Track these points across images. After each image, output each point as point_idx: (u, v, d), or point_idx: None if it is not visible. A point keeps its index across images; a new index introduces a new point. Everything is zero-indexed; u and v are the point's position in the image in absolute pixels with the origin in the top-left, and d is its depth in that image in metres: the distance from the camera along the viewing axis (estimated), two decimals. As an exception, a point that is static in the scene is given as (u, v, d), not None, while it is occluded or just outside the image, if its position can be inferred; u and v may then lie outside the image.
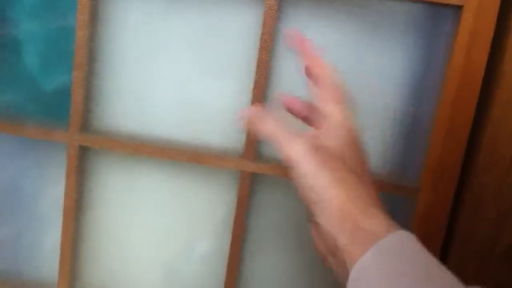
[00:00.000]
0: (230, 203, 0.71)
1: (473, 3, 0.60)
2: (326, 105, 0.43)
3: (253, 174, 0.68)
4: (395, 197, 0.69)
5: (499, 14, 0.59)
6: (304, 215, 0.71)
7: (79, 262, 0.76)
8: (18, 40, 0.70)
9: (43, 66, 0.71)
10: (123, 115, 0.70)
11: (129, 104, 0.70)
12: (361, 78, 0.66)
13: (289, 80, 0.67)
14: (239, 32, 0.66)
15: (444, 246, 0.65)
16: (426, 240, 0.64)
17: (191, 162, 0.67)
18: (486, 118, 0.62)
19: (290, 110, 0.48)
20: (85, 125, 0.70)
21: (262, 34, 0.63)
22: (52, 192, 0.74)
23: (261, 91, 0.64)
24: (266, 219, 0.72)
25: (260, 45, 0.63)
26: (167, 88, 0.69)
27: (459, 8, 0.61)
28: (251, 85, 0.66)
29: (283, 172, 0.66)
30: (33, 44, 0.70)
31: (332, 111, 0.42)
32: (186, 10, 0.66)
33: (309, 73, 0.45)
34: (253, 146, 0.66)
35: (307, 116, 0.47)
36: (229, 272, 0.70)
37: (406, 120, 0.67)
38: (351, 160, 0.41)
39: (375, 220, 0.37)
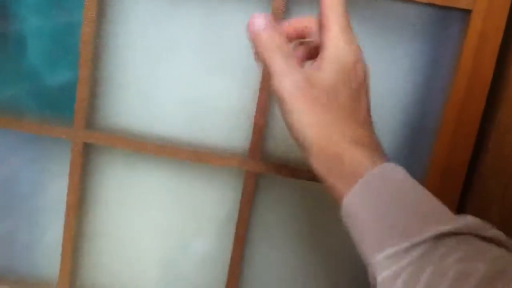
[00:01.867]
0: (233, 202, 0.71)
1: (482, 6, 0.59)
2: (327, 33, 0.40)
3: (257, 174, 0.68)
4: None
5: (508, 18, 0.59)
6: (309, 216, 0.71)
7: (80, 260, 0.75)
8: (23, 36, 0.70)
9: (48, 62, 0.70)
10: (127, 112, 0.70)
11: (133, 102, 0.70)
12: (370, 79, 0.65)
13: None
14: (244, 31, 0.66)
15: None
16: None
17: (195, 161, 0.67)
18: (493, 122, 0.61)
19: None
20: (89, 122, 0.69)
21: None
22: (54, 189, 0.73)
23: (266, 90, 0.64)
24: (269, 219, 0.71)
25: (267, 45, 0.63)
26: (171, 86, 0.69)
27: (467, 11, 0.61)
28: (256, 84, 0.66)
29: (288, 172, 0.66)
30: (38, 40, 0.70)
31: (330, 42, 0.40)
32: (191, 8, 0.66)
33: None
34: (258, 145, 0.66)
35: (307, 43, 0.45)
36: (231, 272, 0.70)
37: (412, 122, 0.66)
38: (344, 96, 0.39)
39: (359, 155, 0.37)
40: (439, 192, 0.63)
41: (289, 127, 0.39)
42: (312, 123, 0.37)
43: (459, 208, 0.64)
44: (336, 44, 0.39)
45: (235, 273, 0.70)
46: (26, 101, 0.71)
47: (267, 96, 0.64)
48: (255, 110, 0.66)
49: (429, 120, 0.66)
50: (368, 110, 0.42)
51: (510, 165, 0.61)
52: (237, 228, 0.68)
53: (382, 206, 0.35)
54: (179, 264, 0.74)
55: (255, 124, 0.65)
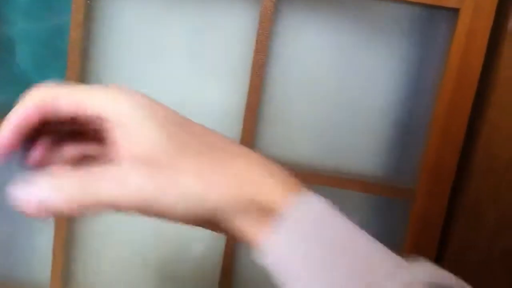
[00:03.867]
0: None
1: (470, 5, 0.60)
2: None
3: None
4: (390, 199, 0.68)
5: (495, 17, 0.59)
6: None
7: (72, 264, 0.75)
8: (12, 39, 0.69)
9: (37, 65, 0.70)
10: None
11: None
12: (356, 79, 0.66)
13: (284, 81, 0.67)
14: (235, 33, 0.66)
15: (440, 250, 0.65)
16: (421, 242, 0.64)
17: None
18: (482, 121, 0.61)
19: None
20: (79, 126, 0.69)
21: (258, 35, 0.63)
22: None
23: (256, 92, 0.64)
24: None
25: (255, 47, 0.63)
26: (161, 89, 0.68)
27: (455, 10, 0.61)
28: (246, 86, 0.66)
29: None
30: (27, 43, 0.70)
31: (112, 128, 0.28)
32: (181, 11, 0.66)
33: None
34: (249, 146, 0.66)
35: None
36: (223, 272, 0.70)
37: (401, 122, 0.66)
38: (195, 141, 0.29)
39: (267, 187, 0.29)
40: (429, 192, 0.63)
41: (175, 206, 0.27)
42: (195, 182, 0.27)
43: (451, 209, 0.64)
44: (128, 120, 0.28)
45: (228, 272, 0.70)
46: (14, 104, 0.70)
47: (258, 98, 0.64)
48: (244, 112, 0.66)
49: (418, 119, 0.66)
50: (220, 136, 0.32)
51: (500, 164, 0.61)
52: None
53: (307, 254, 0.27)
54: (172, 265, 0.74)
55: (245, 124, 0.65)
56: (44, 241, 0.74)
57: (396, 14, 0.64)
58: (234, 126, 0.68)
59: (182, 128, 0.30)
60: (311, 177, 0.65)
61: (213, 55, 0.67)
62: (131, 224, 0.73)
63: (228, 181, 0.28)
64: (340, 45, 0.65)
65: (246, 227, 0.29)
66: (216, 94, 0.68)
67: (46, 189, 0.27)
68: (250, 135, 0.65)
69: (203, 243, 0.73)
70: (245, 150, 0.31)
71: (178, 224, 0.29)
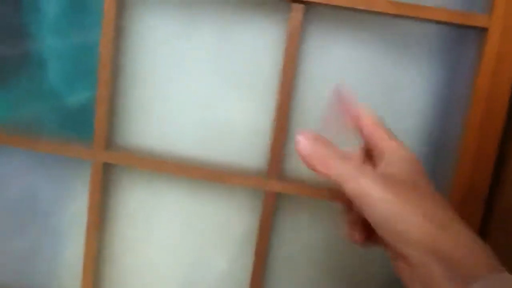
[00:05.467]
0: (251, 221, 0.71)
1: (499, 25, 0.60)
2: (380, 142, 0.40)
3: (277, 193, 0.68)
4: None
5: (525, 37, 0.59)
6: (329, 234, 0.71)
7: (101, 278, 0.76)
8: (42, 56, 0.70)
9: (67, 82, 0.71)
10: (146, 132, 0.70)
11: (152, 121, 0.70)
12: (384, 99, 0.66)
13: (312, 99, 0.67)
14: (262, 51, 0.67)
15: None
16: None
17: (213, 180, 0.67)
18: (512, 141, 0.62)
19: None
20: (109, 142, 0.70)
21: (285, 53, 0.63)
22: (75, 208, 0.74)
23: (284, 110, 0.65)
24: (288, 238, 0.72)
25: (283, 65, 0.63)
26: (189, 106, 0.69)
27: (484, 30, 0.61)
28: (273, 102, 0.67)
29: (307, 191, 0.66)
30: (57, 60, 0.71)
31: (388, 145, 0.40)
32: (209, 28, 0.67)
33: (355, 124, 0.43)
34: (277, 165, 0.66)
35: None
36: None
37: (433, 141, 0.67)
38: (418, 182, 0.37)
39: (471, 253, 0.33)
40: (462, 210, 0.63)
41: (381, 223, 0.34)
42: (403, 211, 0.33)
43: (483, 226, 0.64)
44: (396, 144, 0.40)
45: (254, 289, 0.70)
46: (45, 122, 0.72)
47: (285, 116, 0.65)
48: (272, 128, 0.66)
49: (449, 138, 0.66)
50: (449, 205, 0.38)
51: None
52: (256, 248, 0.69)
53: None
54: (198, 282, 0.75)
55: (273, 142, 0.66)
56: (73, 256, 0.75)
57: (424, 33, 0.64)
58: (261, 144, 0.69)
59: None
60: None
61: (240, 73, 0.68)
62: (158, 240, 0.74)
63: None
64: (367, 64, 0.65)
65: (443, 277, 0.32)
66: (244, 112, 0.69)
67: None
68: (278, 153, 0.66)
69: (229, 262, 0.74)
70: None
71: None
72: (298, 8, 0.62)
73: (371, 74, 0.66)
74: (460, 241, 0.33)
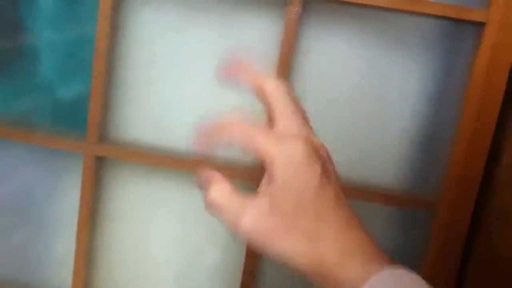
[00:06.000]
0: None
1: (496, 19, 0.59)
2: (280, 120, 0.37)
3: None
4: (414, 211, 0.68)
5: (522, 31, 0.59)
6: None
7: (92, 271, 0.75)
8: (37, 49, 0.70)
9: (61, 75, 0.71)
10: (140, 125, 0.70)
11: (145, 115, 0.70)
12: (381, 91, 0.65)
13: (308, 93, 0.67)
14: (259, 45, 0.66)
15: (464, 261, 0.64)
16: (445, 254, 0.64)
17: (208, 174, 0.66)
18: (507, 134, 0.61)
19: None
20: (102, 135, 0.70)
21: (282, 48, 0.63)
22: (67, 201, 0.73)
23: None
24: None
25: (279, 59, 0.63)
26: (184, 99, 0.69)
27: (481, 24, 0.61)
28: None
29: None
30: (51, 53, 0.70)
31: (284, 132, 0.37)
32: (205, 22, 0.66)
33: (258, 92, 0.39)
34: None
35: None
36: (244, 283, 0.69)
37: (427, 133, 0.66)
38: (314, 200, 0.34)
39: (353, 268, 0.33)
40: (454, 203, 0.63)
41: (276, 256, 0.34)
42: (296, 250, 0.33)
43: (475, 220, 0.64)
44: (282, 151, 0.35)
45: (248, 283, 0.69)
46: (39, 115, 0.71)
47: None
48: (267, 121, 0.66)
49: (443, 131, 0.65)
50: (343, 199, 0.36)
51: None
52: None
53: None
54: (192, 275, 0.74)
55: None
56: (65, 250, 0.75)
57: (421, 27, 0.64)
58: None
59: (315, 195, 0.35)
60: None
61: (236, 67, 0.67)
62: (151, 233, 0.73)
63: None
64: (364, 58, 0.65)
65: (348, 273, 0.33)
66: (239, 104, 0.68)
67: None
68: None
69: (223, 255, 0.73)
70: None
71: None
72: (295, 2, 0.62)
73: (368, 68, 0.65)
74: (342, 248, 0.34)
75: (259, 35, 0.66)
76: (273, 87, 0.38)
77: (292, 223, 0.34)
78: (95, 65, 0.66)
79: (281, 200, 0.34)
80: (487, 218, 0.63)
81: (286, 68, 0.63)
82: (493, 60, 0.60)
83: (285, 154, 0.34)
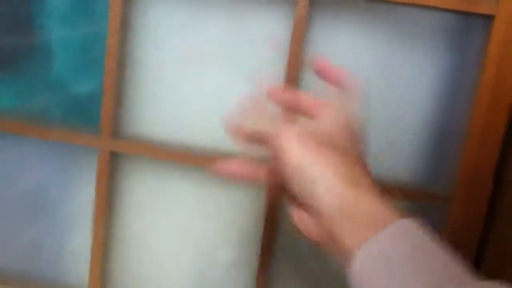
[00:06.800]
0: (258, 210, 0.72)
1: (505, 12, 0.60)
2: (317, 104, 0.43)
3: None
4: (427, 205, 0.69)
5: (531, 24, 0.59)
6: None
7: (109, 266, 0.76)
8: (50, 46, 0.71)
9: (74, 71, 0.71)
10: (153, 120, 0.71)
11: (159, 110, 0.71)
12: (392, 86, 0.66)
13: (318, 88, 0.67)
14: (267, 38, 0.67)
15: (477, 256, 0.65)
16: (459, 248, 0.65)
17: (220, 168, 0.67)
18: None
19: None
20: (116, 130, 0.71)
21: (292, 43, 0.63)
22: (82, 196, 0.75)
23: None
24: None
25: (289, 54, 0.64)
26: (197, 95, 0.69)
27: (490, 17, 0.61)
28: (281, 93, 0.67)
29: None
30: (64, 50, 0.71)
31: (326, 111, 0.42)
32: (217, 18, 0.67)
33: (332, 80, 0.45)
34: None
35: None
36: (259, 278, 0.71)
37: (438, 127, 0.67)
38: (346, 143, 0.40)
39: (372, 206, 0.35)
40: (468, 197, 0.63)
41: (293, 172, 0.38)
42: (314, 163, 0.37)
43: (490, 213, 0.64)
44: (338, 103, 0.43)
45: (263, 279, 0.71)
46: (53, 111, 0.72)
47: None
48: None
49: (454, 125, 0.66)
50: (365, 157, 0.42)
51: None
52: (263, 236, 0.69)
53: (395, 270, 0.32)
54: (206, 269, 0.75)
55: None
56: (81, 244, 0.76)
57: (430, 21, 0.64)
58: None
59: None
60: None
61: (247, 62, 0.68)
62: (165, 228, 0.74)
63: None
64: (374, 52, 0.65)
65: (343, 232, 0.35)
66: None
67: None
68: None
69: (237, 249, 0.74)
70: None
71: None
72: (304, -3, 0.62)
73: (378, 63, 0.66)
74: (363, 201, 0.35)
75: (269, 31, 0.66)
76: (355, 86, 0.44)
77: (326, 152, 0.38)
78: (107, 61, 0.67)
79: (322, 133, 0.39)
80: (502, 212, 0.64)
81: (296, 64, 0.64)
82: (503, 53, 0.60)
83: (337, 107, 0.41)
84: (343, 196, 0.35)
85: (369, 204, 0.35)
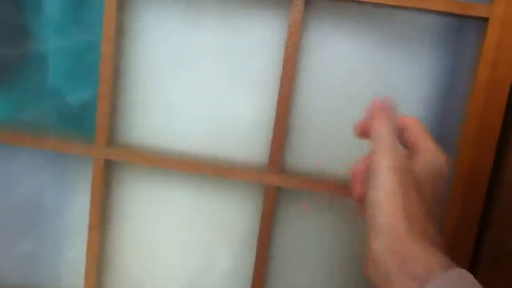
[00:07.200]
0: (254, 216, 0.71)
1: (499, 15, 0.60)
2: (420, 141, 0.43)
3: (277, 187, 0.68)
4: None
5: (526, 26, 0.59)
6: (330, 228, 0.71)
7: (104, 275, 0.76)
8: (44, 55, 0.71)
9: (69, 80, 0.71)
10: (148, 128, 0.71)
11: (153, 118, 0.70)
12: (385, 89, 0.66)
13: (313, 92, 0.67)
14: (263, 45, 0.67)
15: (473, 257, 0.65)
16: (454, 250, 0.64)
17: (216, 175, 0.67)
18: (514, 130, 0.61)
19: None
20: (110, 139, 0.70)
21: (287, 46, 0.63)
22: (77, 205, 0.74)
23: (285, 103, 0.65)
24: (290, 232, 0.72)
25: (284, 58, 0.64)
26: (191, 102, 0.69)
27: (485, 20, 0.61)
28: (275, 97, 0.66)
29: (307, 184, 0.66)
30: (58, 58, 0.71)
31: (426, 147, 0.43)
32: (210, 24, 0.67)
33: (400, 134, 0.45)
34: (277, 159, 0.66)
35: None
36: (254, 285, 0.70)
37: (433, 129, 0.66)
38: (429, 194, 0.40)
39: (435, 256, 0.35)
40: (463, 200, 0.63)
41: (369, 204, 0.38)
42: (399, 206, 0.37)
43: (484, 217, 0.64)
44: (434, 148, 0.42)
45: (258, 286, 0.70)
46: (48, 120, 0.72)
47: (286, 109, 0.65)
48: (273, 123, 0.66)
49: (448, 128, 0.66)
50: (438, 210, 0.42)
51: (533, 172, 0.61)
52: (258, 242, 0.68)
53: None
54: (202, 277, 0.75)
55: (274, 136, 0.66)
56: (76, 253, 0.75)
57: (424, 23, 0.64)
58: (262, 137, 0.68)
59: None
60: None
61: (242, 67, 0.68)
62: (161, 236, 0.74)
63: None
64: (368, 55, 0.65)
65: (397, 277, 0.35)
66: (245, 105, 0.69)
67: None
68: (279, 146, 0.66)
69: (233, 256, 0.73)
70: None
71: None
72: (299, 1, 0.62)
73: (372, 66, 0.65)
74: (420, 245, 0.35)
75: (263, 35, 0.66)
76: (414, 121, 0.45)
77: (410, 187, 0.38)
78: (101, 69, 0.67)
79: (413, 173, 0.40)
80: (497, 213, 0.63)
81: (291, 67, 0.64)
82: (498, 56, 0.60)
83: (436, 151, 0.42)
84: (400, 239, 0.36)
85: (423, 255, 0.35)
